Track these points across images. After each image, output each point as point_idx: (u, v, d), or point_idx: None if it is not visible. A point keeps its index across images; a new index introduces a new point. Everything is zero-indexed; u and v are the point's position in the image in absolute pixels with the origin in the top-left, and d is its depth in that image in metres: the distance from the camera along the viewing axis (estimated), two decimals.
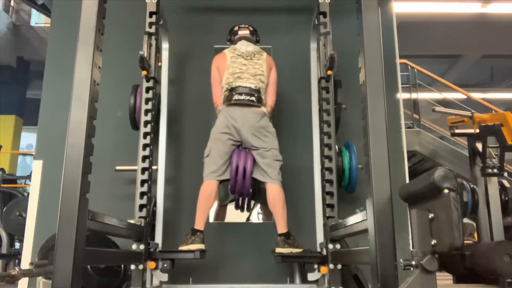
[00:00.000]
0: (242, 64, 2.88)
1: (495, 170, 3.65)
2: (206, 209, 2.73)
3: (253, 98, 2.79)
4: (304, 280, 2.84)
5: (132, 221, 2.53)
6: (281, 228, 2.71)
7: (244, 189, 2.75)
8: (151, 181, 2.79)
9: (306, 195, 3.02)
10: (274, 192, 2.73)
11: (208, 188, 2.74)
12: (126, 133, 3.11)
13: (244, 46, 2.96)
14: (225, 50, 3.02)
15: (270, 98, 2.94)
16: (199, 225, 2.69)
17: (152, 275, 2.67)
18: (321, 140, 2.86)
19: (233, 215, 3.18)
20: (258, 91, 2.83)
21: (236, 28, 3.11)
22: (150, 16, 2.94)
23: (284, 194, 2.75)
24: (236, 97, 2.79)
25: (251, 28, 3.10)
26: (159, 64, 3.08)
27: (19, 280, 2.08)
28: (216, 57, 3.02)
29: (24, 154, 12.18)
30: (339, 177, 2.81)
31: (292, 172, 3.08)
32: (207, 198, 2.74)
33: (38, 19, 10.37)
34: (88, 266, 2.47)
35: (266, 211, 3.27)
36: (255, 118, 2.77)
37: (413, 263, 1.38)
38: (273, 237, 2.79)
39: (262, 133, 2.77)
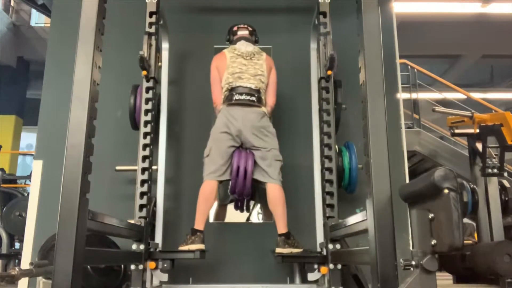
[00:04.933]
0: (242, 64, 2.88)
1: (495, 170, 3.66)
2: (206, 209, 2.73)
3: (254, 98, 2.79)
4: (304, 280, 2.84)
5: (132, 221, 2.53)
6: (281, 228, 2.71)
7: (244, 189, 2.75)
8: (151, 181, 2.79)
9: (306, 195, 3.01)
10: (275, 192, 2.73)
11: (208, 188, 2.74)
12: (126, 133, 3.11)
13: (243, 46, 2.95)
14: (224, 50, 3.01)
15: (270, 99, 2.94)
16: (199, 225, 2.69)
17: (152, 275, 2.67)
18: (321, 140, 2.86)
19: (233, 215, 3.18)
20: (258, 91, 2.83)
21: (235, 28, 3.10)
22: (150, 16, 2.94)
23: (284, 194, 2.75)
24: (236, 97, 2.78)
25: (250, 28, 3.10)
26: (159, 64, 3.08)
27: (19, 280, 2.08)
28: (216, 57, 3.02)
29: (24, 154, 12.18)
30: (339, 177, 2.81)
31: (292, 172, 3.07)
32: (207, 198, 2.73)
33: (38, 19, 10.37)
34: (88, 266, 2.47)
35: (266, 211, 3.27)
36: (256, 117, 2.76)
37: (413, 263, 1.38)
38: (273, 237, 2.79)
39: (262, 133, 2.76)
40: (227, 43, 3.12)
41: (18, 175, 8.46)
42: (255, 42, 3.08)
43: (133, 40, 3.04)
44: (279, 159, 2.79)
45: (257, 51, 2.97)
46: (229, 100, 2.80)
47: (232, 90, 2.81)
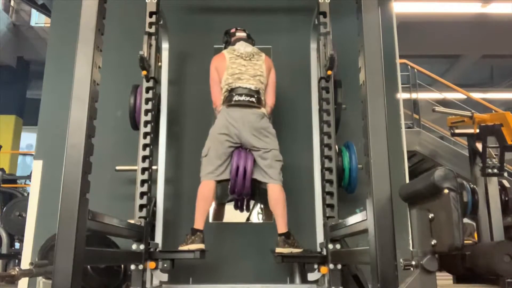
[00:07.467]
0: (241, 65, 2.88)
1: (495, 170, 3.65)
2: (205, 208, 2.73)
3: (253, 99, 2.79)
4: (304, 280, 2.84)
5: (132, 221, 2.53)
6: (281, 228, 2.71)
7: (244, 189, 2.75)
8: (151, 181, 2.79)
9: (306, 195, 3.01)
10: (276, 192, 2.73)
11: (206, 188, 2.74)
12: (126, 133, 3.11)
13: (243, 47, 2.96)
14: (223, 51, 3.02)
15: (270, 99, 2.93)
16: (198, 224, 2.69)
17: (152, 275, 2.67)
18: (321, 140, 2.86)
19: (233, 215, 3.18)
20: (257, 92, 2.83)
21: (233, 30, 3.11)
22: (150, 16, 2.94)
23: (285, 194, 2.75)
24: (236, 98, 2.78)
25: (247, 32, 3.12)
26: (159, 64, 3.08)
27: (19, 280, 2.08)
28: (215, 58, 3.02)
29: (24, 154, 12.17)
30: (339, 177, 2.81)
31: (292, 172, 3.08)
32: (206, 198, 2.73)
33: (38, 19, 10.36)
34: (88, 266, 2.47)
35: (267, 211, 3.28)
36: (255, 118, 2.76)
37: (413, 263, 1.38)
38: (273, 237, 2.79)
39: (262, 134, 2.76)
40: (224, 45, 3.12)
41: (18, 175, 8.46)
42: (253, 44, 3.08)
43: (133, 40, 3.05)
44: (279, 159, 2.79)
45: (256, 52, 2.97)
46: (228, 101, 2.80)
47: (231, 91, 2.81)
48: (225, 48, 3.08)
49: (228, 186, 2.80)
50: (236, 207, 3.04)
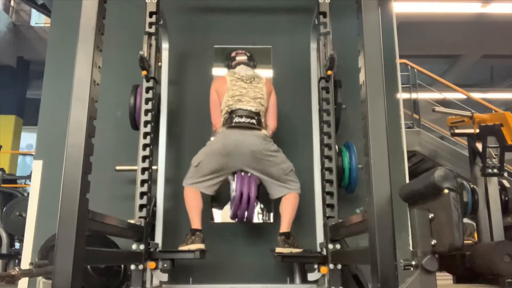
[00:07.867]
0: (242, 87, 2.87)
1: (495, 170, 3.66)
2: (197, 209, 2.73)
3: (254, 121, 2.77)
4: (304, 280, 2.84)
5: (132, 221, 2.53)
6: (284, 227, 2.71)
7: (248, 216, 2.72)
8: (151, 181, 2.79)
9: (306, 195, 3.01)
10: (290, 199, 2.76)
11: (192, 191, 2.75)
12: (126, 133, 3.11)
13: (243, 70, 2.96)
14: (224, 74, 3.02)
15: (271, 122, 2.93)
16: (196, 224, 2.69)
17: (152, 275, 2.67)
18: (321, 140, 2.86)
19: None
20: (258, 114, 2.82)
21: (234, 54, 3.10)
22: (150, 16, 2.94)
23: (298, 200, 2.77)
24: (236, 119, 2.76)
25: (248, 54, 3.10)
26: (159, 64, 3.08)
27: (19, 280, 2.08)
28: (215, 81, 3.02)
29: (24, 154, 12.17)
30: (339, 177, 2.81)
31: None
32: (195, 199, 2.73)
33: (38, 19, 10.38)
34: (88, 266, 2.47)
35: (270, 211, 3.27)
36: (256, 140, 2.72)
37: (413, 263, 1.38)
38: (273, 237, 2.80)
39: (266, 155, 2.73)
40: (225, 68, 3.12)
41: (18, 175, 8.46)
42: (254, 67, 3.08)
43: (133, 40, 3.05)
44: (290, 169, 2.80)
45: (256, 75, 2.97)
46: (229, 123, 2.78)
47: (231, 112, 2.80)
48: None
49: (230, 212, 2.77)
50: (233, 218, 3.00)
